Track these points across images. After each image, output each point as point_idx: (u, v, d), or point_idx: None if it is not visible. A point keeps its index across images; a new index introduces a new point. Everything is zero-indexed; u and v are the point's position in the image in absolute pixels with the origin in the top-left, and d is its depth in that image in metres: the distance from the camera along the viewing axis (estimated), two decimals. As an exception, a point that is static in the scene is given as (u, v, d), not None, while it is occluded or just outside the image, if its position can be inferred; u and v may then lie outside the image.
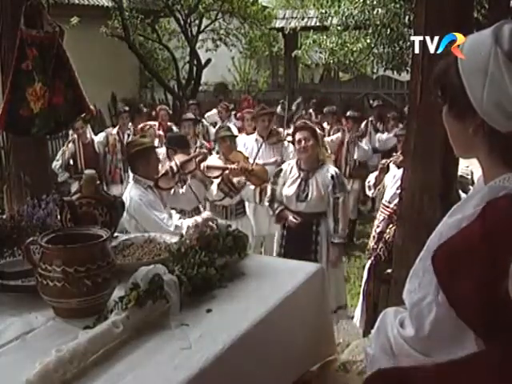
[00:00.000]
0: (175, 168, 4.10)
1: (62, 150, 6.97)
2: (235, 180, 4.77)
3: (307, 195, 4.04)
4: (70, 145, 6.83)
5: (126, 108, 7.88)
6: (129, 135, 7.21)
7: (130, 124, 7.57)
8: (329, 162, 4.56)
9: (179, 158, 4.35)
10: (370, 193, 5.03)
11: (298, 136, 4.14)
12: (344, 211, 4.09)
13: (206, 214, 3.94)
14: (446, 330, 1.08)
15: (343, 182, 4.21)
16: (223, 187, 4.76)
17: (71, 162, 6.87)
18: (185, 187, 4.14)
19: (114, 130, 7.32)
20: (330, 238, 4.10)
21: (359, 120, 7.45)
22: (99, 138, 7.20)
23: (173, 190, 4.03)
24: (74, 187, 6.54)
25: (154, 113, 8.68)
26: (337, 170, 4.28)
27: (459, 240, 1.07)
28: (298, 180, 4.10)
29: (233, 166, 4.80)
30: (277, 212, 4.18)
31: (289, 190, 4.12)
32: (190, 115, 7.74)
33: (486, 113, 1.05)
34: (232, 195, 4.81)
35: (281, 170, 4.28)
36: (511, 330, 0.99)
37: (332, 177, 4.07)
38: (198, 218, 3.69)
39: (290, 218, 4.08)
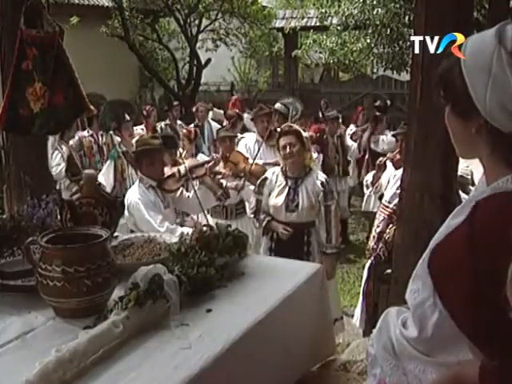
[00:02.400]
0: (183, 171, 4.06)
1: (58, 155, 6.42)
2: (233, 184, 4.77)
3: (297, 205, 3.75)
4: (64, 148, 6.48)
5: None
6: (102, 136, 6.98)
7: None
8: (314, 165, 4.29)
9: (190, 162, 4.32)
10: (367, 191, 5.04)
11: (282, 141, 3.81)
12: (336, 219, 3.87)
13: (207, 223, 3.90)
14: (449, 331, 1.07)
15: (332, 190, 3.97)
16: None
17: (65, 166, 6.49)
18: (192, 192, 4.08)
19: (86, 133, 7.02)
20: (322, 248, 3.85)
21: (338, 119, 7.48)
22: (72, 142, 6.85)
23: (179, 193, 3.99)
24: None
25: (144, 113, 8.63)
26: (325, 176, 4.00)
27: (449, 244, 1.08)
28: (286, 189, 3.80)
29: (225, 171, 4.80)
30: (264, 224, 3.84)
31: (277, 200, 3.80)
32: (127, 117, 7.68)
33: (489, 113, 1.05)
34: (222, 199, 4.79)
35: (265, 178, 3.92)
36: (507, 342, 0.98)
37: (322, 184, 3.81)
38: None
39: (281, 229, 3.77)
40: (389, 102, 9.59)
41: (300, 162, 3.84)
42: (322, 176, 3.93)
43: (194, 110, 8.76)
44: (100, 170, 6.93)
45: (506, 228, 0.96)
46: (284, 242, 3.79)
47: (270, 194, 3.85)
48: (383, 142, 7.69)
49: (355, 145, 7.51)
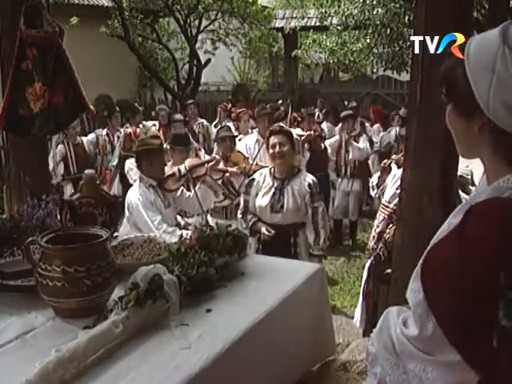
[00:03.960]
0: (183, 170, 4.06)
1: (52, 153, 6.55)
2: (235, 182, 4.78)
3: (282, 206, 3.70)
4: (60, 146, 6.66)
5: (117, 108, 7.88)
6: (118, 137, 7.19)
7: (128, 124, 7.56)
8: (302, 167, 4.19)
9: (190, 162, 4.31)
10: (373, 193, 5.03)
11: (272, 140, 3.77)
12: (324, 221, 3.80)
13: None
14: None
15: (320, 191, 3.90)
16: (224, 190, 4.75)
17: (61, 164, 6.70)
18: (192, 191, 4.07)
19: (104, 131, 7.32)
20: (309, 250, 3.80)
21: (354, 118, 7.49)
22: (89, 138, 7.19)
23: (179, 192, 3.99)
24: (68, 188, 6.48)
25: (153, 113, 8.67)
26: (314, 178, 3.92)
27: (441, 249, 1.07)
28: (272, 189, 3.76)
29: (233, 170, 4.81)
30: (250, 224, 3.80)
31: (262, 200, 3.76)
32: (179, 116, 7.72)
33: (492, 111, 1.05)
34: (232, 197, 4.80)
35: (253, 179, 3.88)
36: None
37: (309, 185, 3.76)
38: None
39: (263, 230, 3.72)
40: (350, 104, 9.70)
41: (288, 162, 3.80)
42: (310, 177, 3.87)
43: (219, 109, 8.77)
44: (110, 170, 7.05)
45: (496, 236, 0.96)
46: (270, 243, 3.71)
47: (256, 195, 3.81)
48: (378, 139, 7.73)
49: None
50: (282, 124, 4.41)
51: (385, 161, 4.93)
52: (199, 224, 3.43)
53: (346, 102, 10.10)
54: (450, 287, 1.02)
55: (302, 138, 6.35)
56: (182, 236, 3.40)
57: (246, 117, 7.16)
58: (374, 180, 4.99)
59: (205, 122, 8.36)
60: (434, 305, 1.06)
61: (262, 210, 3.78)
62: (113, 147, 7.18)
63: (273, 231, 3.72)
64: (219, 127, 7.70)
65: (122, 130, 7.35)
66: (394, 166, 4.65)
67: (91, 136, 7.30)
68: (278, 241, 3.73)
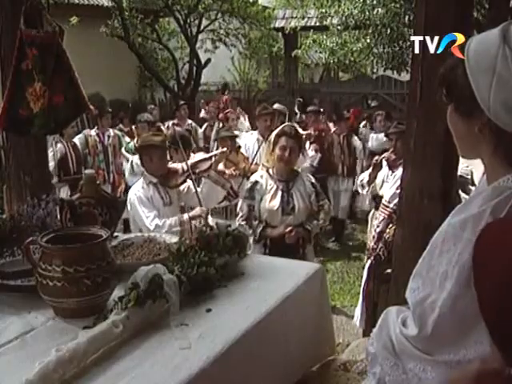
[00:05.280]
0: (185, 167, 4.06)
1: (51, 152, 6.40)
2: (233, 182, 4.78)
3: (293, 207, 3.68)
4: (60, 145, 6.58)
5: (109, 109, 7.83)
6: (109, 136, 7.11)
7: (121, 125, 7.52)
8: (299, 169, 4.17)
9: (198, 157, 4.30)
10: (364, 191, 5.00)
11: (283, 142, 3.69)
12: (325, 215, 3.81)
13: (196, 211, 3.86)
14: (449, 330, 1.07)
15: (322, 190, 3.94)
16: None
17: (57, 163, 6.56)
18: (200, 187, 4.05)
19: (93, 131, 7.18)
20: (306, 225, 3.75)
21: (347, 119, 7.51)
22: (78, 139, 7.02)
23: (186, 188, 3.98)
24: (64, 191, 6.37)
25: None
26: (313, 177, 3.97)
27: (499, 229, 1.02)
28: (279, 192, 3.70)
29: (231, 171, 4.81)
30: (259, 230, 3.71)
31: (272, 204, 3.70)
32: (147, 116, 7.65)
33: (492, 112, 1.05)
34: (230, 199, 4.79)
35: (256, 182, 3.79)
36: None
37: (313, 185, 3.79)
38: (184, 216, 3.70)
39: (289, 229, 3.63)
40: (372, 103, 9.67)
41: (292, 166, 3.81)
42: (310, 177, 3.91)
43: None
44: (104, 170, 7.01)
45: None
46: (279, 246, 3.66)
47: (261, 199, 3.74)
48: (372, 139, 7.72)
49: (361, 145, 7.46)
50: (293, 125, 4.38)
51: (376, 157, 4.91)
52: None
53: (369, 102, 10.06)
54: (503, 275, 0.97)
55: (303, 136, 6.37)
56: (171, 227, 3.51)
57: (234, 116, 7.15)
58: (363, 177, 4.96)
59: (193, 124, 8.35)
60: (480, 279, 1.01)
61: (272, 213, 3.71)
62: (104, 147, 7.04)
63: (294, 228, 3.67)
64: (219, 127, 7.72)
65: (111, 130, 7.26)
66: (384, 163, 4.65)
67: (80, 136, 7.10)
68: (287, 243, 3.67)
